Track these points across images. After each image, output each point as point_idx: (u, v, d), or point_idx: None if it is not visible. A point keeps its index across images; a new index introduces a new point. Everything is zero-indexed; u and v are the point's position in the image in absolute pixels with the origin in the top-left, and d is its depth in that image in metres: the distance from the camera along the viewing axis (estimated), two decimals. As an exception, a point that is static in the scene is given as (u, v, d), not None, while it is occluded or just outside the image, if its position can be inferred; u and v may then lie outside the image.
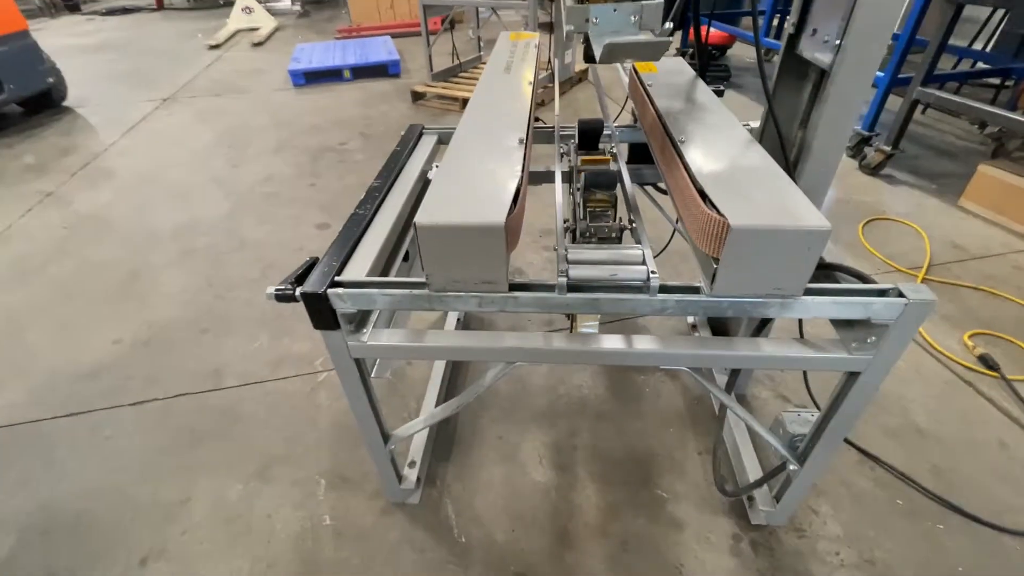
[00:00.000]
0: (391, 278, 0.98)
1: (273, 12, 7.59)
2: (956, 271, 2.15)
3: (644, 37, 0.86)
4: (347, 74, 4.82)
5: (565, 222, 1.00)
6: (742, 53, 5.11)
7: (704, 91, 1.22)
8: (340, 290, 0.86)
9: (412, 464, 1.40)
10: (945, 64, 3.44)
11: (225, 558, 1.27)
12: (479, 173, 0.89)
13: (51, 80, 4.04)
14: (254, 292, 2.14)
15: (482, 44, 4.73)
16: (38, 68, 3.96)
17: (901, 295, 0.80)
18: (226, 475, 1.46)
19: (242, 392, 1.72)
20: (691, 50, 4.43)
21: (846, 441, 1.47)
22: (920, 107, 3.34)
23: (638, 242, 0.92)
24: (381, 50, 5.12)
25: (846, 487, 1.38)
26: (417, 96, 4.21)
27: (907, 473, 1.39)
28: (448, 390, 1.68)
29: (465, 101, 4.16)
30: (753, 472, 1.35)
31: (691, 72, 1.34)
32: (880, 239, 2.37)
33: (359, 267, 0.94)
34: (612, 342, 0.94)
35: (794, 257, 0.74)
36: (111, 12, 8.65)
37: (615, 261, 0.86)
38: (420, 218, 0.76)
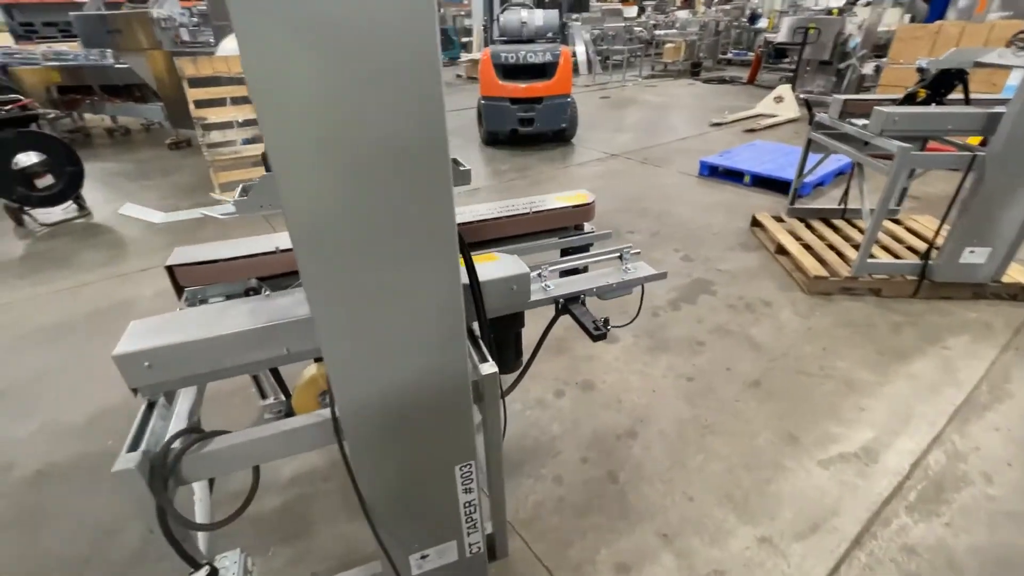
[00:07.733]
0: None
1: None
2: None
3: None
4: (746, 179, 4.90)
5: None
6: None
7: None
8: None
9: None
10: None
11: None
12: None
13: (564, 125, 6.24)
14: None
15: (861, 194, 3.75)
16: (562, 116, 6.19)
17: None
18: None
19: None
20: None
21: None
22: None
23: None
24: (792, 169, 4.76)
25: None
26: (756, 223, 4.00)
27: None
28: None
29: (782, 248, 3.80)
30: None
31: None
32: None
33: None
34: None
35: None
36: (709, 80, 10.90)
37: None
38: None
